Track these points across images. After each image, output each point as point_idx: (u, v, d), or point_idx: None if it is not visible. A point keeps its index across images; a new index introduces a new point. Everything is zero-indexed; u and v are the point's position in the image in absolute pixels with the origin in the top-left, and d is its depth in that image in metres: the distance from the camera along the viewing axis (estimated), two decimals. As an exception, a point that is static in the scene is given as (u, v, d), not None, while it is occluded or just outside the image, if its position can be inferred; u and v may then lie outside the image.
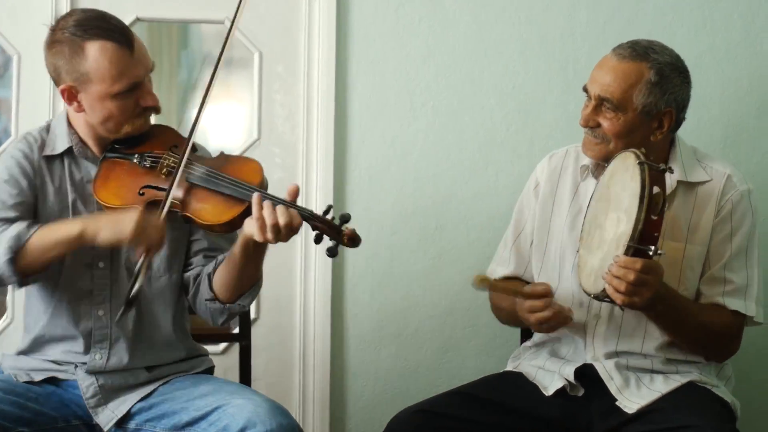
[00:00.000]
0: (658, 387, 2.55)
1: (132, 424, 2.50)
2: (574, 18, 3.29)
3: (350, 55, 3.29)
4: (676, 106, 2.60)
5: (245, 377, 2.85)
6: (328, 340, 3.28)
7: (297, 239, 3.20)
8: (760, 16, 3.32)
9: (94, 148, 2.54)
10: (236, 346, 2.96)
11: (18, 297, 3.20)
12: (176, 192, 2.43)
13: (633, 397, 2.53)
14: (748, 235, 2.63)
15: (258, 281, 2.53)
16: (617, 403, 2.52)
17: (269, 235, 2.32)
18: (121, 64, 2.41)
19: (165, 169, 2.47)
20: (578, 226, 2.65)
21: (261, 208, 2.32)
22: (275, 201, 2.34)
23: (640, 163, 2.39)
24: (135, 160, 2.50)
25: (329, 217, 2.37)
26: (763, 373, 3.31)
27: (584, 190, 2.71)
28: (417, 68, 3.30)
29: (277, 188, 3.22)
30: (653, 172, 2.39)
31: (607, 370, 2.58)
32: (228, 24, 3.25)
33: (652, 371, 2.60)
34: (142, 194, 2.46)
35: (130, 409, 2.50)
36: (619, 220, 2.43)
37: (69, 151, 2.53)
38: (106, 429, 2.49)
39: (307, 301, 3.29)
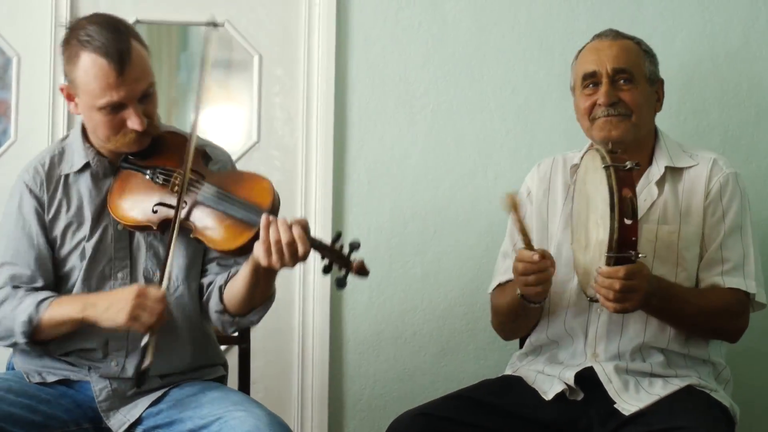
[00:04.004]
0: (657, 390, 2.55)
1: (140, 429, 2.50)
2: (574, 23, 3.30)
3: (350, 59, 3.29)
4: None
5: (244, 380, 2.84)
6: (326, 344, 3.27)
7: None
8: (759, 21, 3.33)
9: (111, 159, 2.54)
10: (235, 349, 2.95)
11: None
12: (187, 212, 2.41)
13: (631, 400, 2.53)
14: (740, 215, 2.65)
15: (270, 297, 2.51)
16: (615, 406, 2.52)
17: (274, 258, 2.29)
18: (104, 82, 2.39)
19: (176, 187, 2.45)
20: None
21: (268, 231, 2.29)
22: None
23: (606, 168, 2.41)
24: (148, 176, 2.49)
25: (338, 245, 2.33)
26: (763, 378, 3.31)
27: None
28: (416, 72, 3.31)
29: (277, 191, 3.23)
30: (621, 173, 2.40)
31: (606, 373, 2.58)
32: (228, 26, 3.28)
33: (652, 375, 2.60)
34: (156, 212, 2.45)
35: (141, 413, 2.50)
36: (598, 224, 2.45)
37: (85, 167, 2.53)
38: None
39: (306, 304, 3.28)
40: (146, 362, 2.33)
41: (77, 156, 2.54)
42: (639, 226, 2.59)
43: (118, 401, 2.50)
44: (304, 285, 3.28)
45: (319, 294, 3.27)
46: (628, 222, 2.37)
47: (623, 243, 2.37)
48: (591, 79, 2.68)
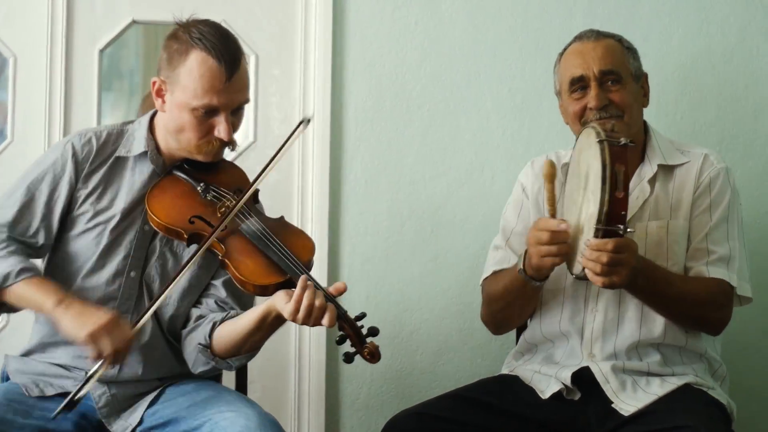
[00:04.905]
0: (654, 390, 2.55)
1: (139, 429, 2.49)
2: (570, 21, 3.30)
3: (346, 58, 3.29)
4: None
5: (241, 380, 2.84)
6: (323, 343, 3.27)
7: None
8: (756, 18, 3.33)
9: (167, 160, 2.54)
10: (232, 349, 2.95)
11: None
12: (223, 235, 2.40)
13: (629, 400, 2.53)
14: (728, 209, 2.65)
15: (256, 351, 2.50)
16: (613, 405, 2.52)
17: (300, 316, 2.28)
18: (209, 84, 2.39)
19: (224, 209, 2.46)
20: None
21: (304, 291, 2.29)
22: (318, 287, 2.33)
23: (600, 142, 2.40)
24: (199, 189, 2.49)
25: (359, 324, 2.35)
26: (760, 375, 3.31)
27: None
28: (413, 71, 3.31)
29: (273, 191, 3.23)
30: (614, 149, 2.39)
31: (603, 373, 2.58)
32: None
33: (649, 374, 2.60)
34: (192, 222, 2.44)
35: (141, 416, 2.49)
36: (588, 200, 2.44)
37: (141, 156, 2.53)
38: None
39: (303, 304, 3.28)
40: (83, 391, 2.28)
41: (137, 143, 2.53)
42: (632, 224, 2.60)
43: (118, 406, 2.49)
44: (301, 285, 3.28)
45: (316, 293, 3.27)
46: (618, 195, 2.36)
47: (613, 216, 2.36)
48: (579, 84, 2.68)
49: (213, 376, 2.67)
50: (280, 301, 2.31)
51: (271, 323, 2.39)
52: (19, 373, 2.52)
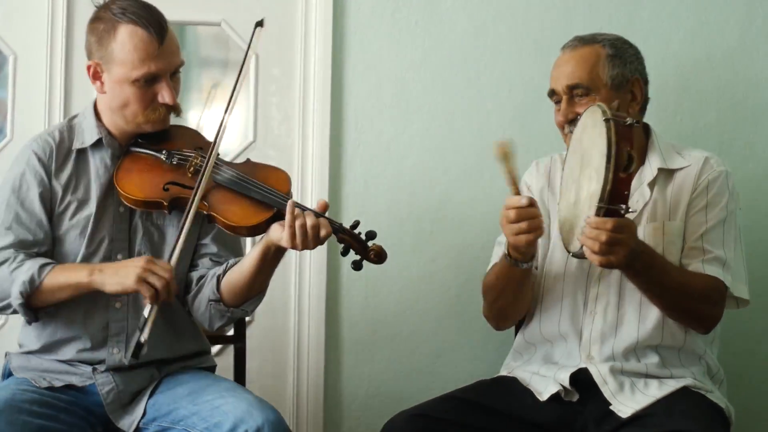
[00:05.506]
0: (653, 392, 2.55)
1: (144, 422, 2.51)
2: (570, 23, 3.29)
3: (346, 59, 3.29)
4: (640, 75, 2.70)
5: (240, 379, 2.85)
6: (322, 343, 3.28)
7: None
8: (756, 21, 3.32)
9: (121, 141, 2.56)
10: (231, 348, 2.96)
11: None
12: (203, 192, 2.44)
13: (627, 402, 2.53)
14: (725, 210, 2.64)
15: (264, 291, 2.56)
16: (611, 407, 2.52)
17: (298, 240, 2.36)
18: (144, 53, 2.43)
19: (193, 168, 2.50)
20: None
21: (294, 215, 2.36)
22: (307, 209, 2.39)
23: (606, 120, 2.39)
24: (162, 156, 2.52)
25: (357, 231, 2.43)
26: (758, 378, 3.31)
27: None
28: (413, 72, 3.31)
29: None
30: (621, 128, 2.39)
31: (601, 374, 2.58)
32: (225, 26, 3.28)
33: (647, 376, 2.60)
34: (167, 190, 2.47)
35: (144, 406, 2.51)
36: (591, 177, 2.43)
37: (96, 144, 2.55)
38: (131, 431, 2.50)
39: (302, 303, 3.28)
40: (144, 335, 2.35)
41: (88, 133, 2.56)
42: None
43: (124, 400, 2.51)
44: (300, 285, 3.28)
45: (314, 294, 3.27)
46: (622, 175, 2.36)
47: (615, 195, 2.36)
48: (554, 97, 2.72)
49: (208, 368, 2.69)
50: (276, 233, 2.39)
51: (273, 257, 2.46)
52: (23, 369, 2.54)
